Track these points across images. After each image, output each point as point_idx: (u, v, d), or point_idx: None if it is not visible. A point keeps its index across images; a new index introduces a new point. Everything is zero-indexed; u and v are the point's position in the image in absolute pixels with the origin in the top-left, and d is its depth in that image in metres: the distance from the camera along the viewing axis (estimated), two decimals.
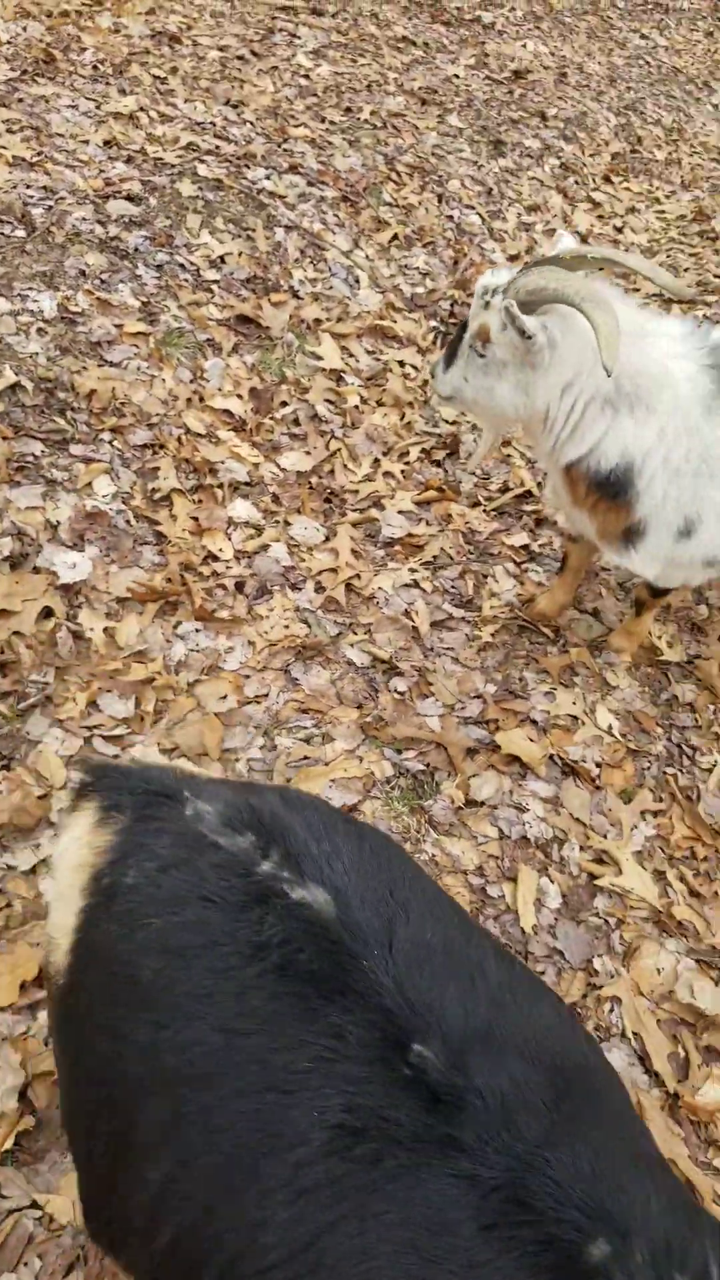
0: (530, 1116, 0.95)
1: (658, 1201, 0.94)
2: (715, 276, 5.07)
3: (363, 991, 0.99)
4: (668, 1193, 0.97)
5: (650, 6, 8.39)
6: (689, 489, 2.36)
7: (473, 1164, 0.90)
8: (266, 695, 2.61)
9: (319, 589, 2.91)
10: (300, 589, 2.90)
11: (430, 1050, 0.95)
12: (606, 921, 2.38)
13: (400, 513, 3.27)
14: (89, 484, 2.88)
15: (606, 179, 5.67)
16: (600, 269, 2.31)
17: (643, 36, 7.77)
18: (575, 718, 2.80)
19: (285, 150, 4.44)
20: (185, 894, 1.07)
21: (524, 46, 6.67)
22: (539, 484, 3.47)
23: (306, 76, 5.12)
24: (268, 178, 4.17)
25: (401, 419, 3.59)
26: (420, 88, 5.57)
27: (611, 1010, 2.22)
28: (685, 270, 5.08)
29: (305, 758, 2.51)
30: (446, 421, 3.70)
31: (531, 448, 2.57)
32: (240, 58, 4.97)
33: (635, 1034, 2.18)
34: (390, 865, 1.17)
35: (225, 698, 2.55)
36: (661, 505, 2.38)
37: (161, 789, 1.18)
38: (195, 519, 2.92)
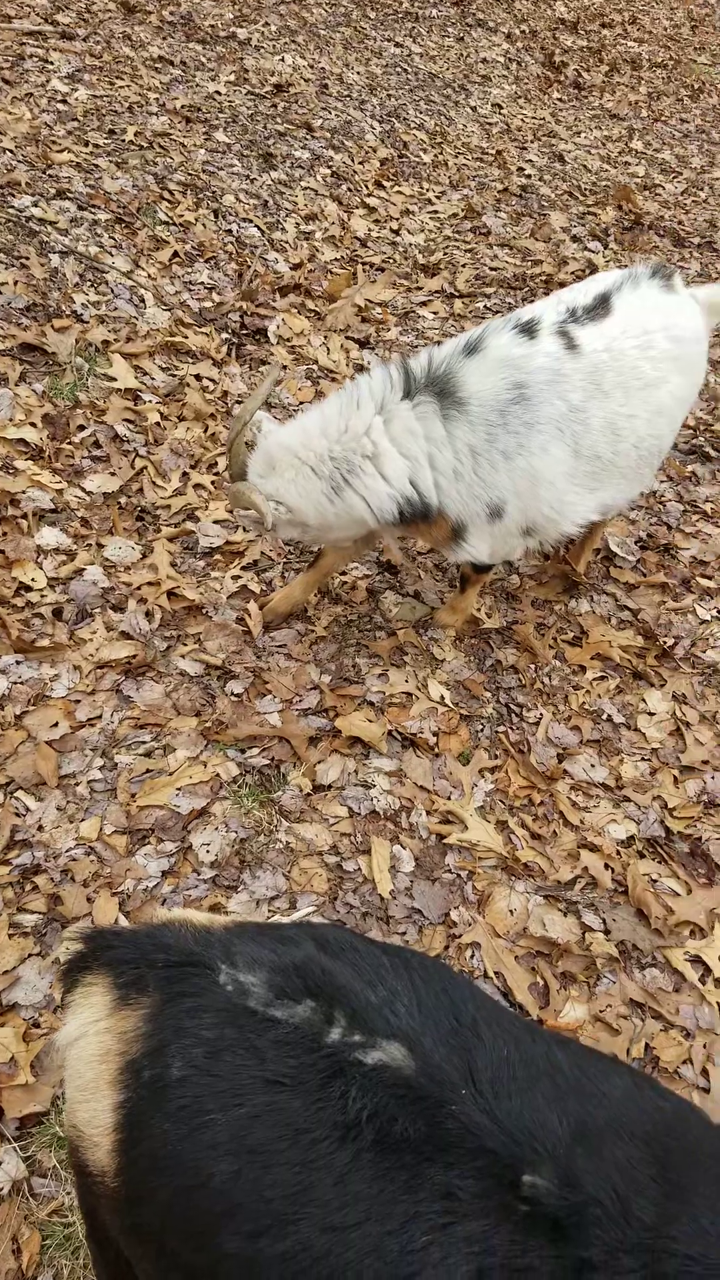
0: (643, 1198, 0.93)
1: None
2: (491, 269, 5.36)
3: (460, 1139, 0.94)
4: None
5: (400, 15, 8.75)
6: (478, 483, 2.57)
7: (610, 1277, 0.88)
8: (100, 717, 2.61)
9: (142, 604, 2.93)
10: (122, 609, 2.90)
11: (541, 1176, 0.92)
12: (459, 875, 2.50)
13: (216, 522, 3.32)
14: None
15: (378, 184, 5.89)
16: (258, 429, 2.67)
17: (397, 45, 8.10)
18: (409, 694, 2.93)
19: (50, 176, 4.40)
20: (248, 1081, 0.98)
21: (282, 60, 6.84)
22: None
23: (64, 101, 5.09)
24: (35, 204, 4.13)
25: (205, 431, 3.64)
26: (183, 106, 5.63)
27: (473, 955, 2.34)
28: (463, 266, 5.35)
29: (148, 771, 2.52)
30: None
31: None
32: None
33: (497, 973, 2.31)
34: (444, 987, 1.12)
35: (57, 725, 2.54)
36: (465, 503, 2.60)
37: (187, 959, 1.07)
38: (1, 551, 2.87)
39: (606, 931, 2.43)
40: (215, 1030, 1.01)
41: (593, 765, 2.83)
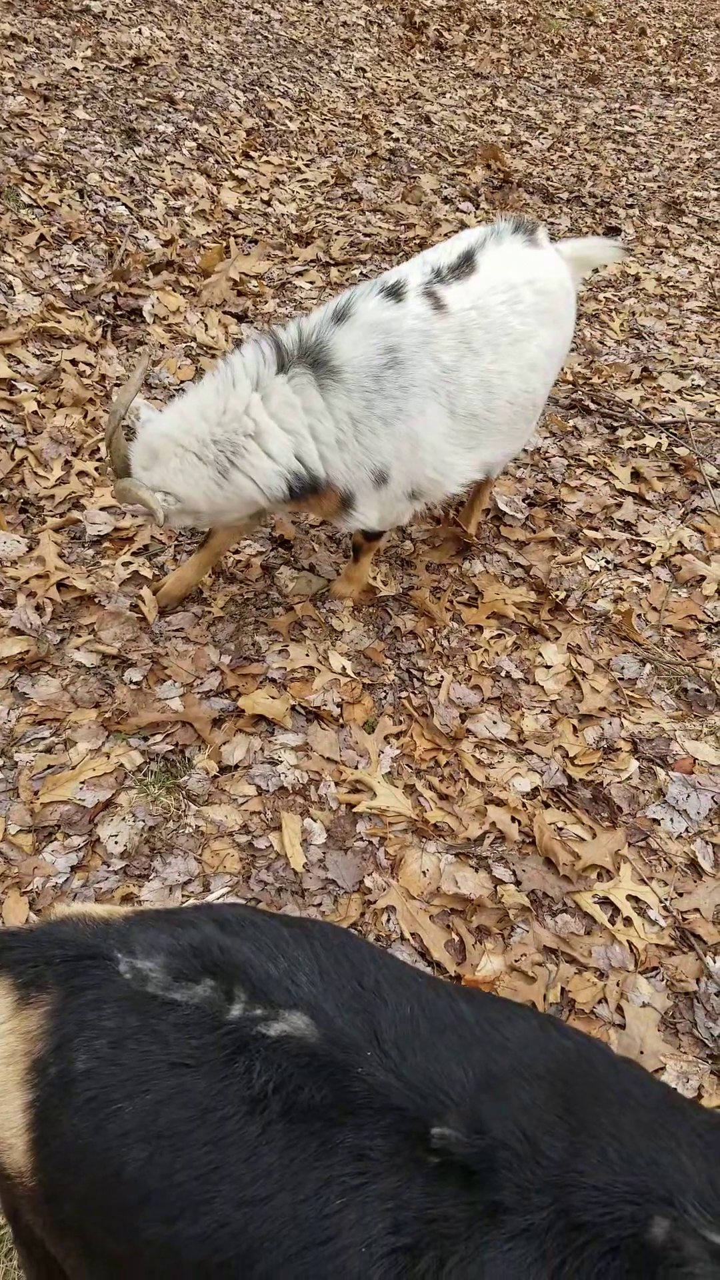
0: (551, 1136, 0.95)
1: (688, 1153, 0.96)
2: (365, 235, 5.35)
3: (368, 1100, 0.96)
4: (695, 1137, 1.00)
5: None
6: (360, 451, 2.58)
7: (523, 1217, 0.90)
8: None
9: (31, 598, 2.87)
10: (12, 604, 2.84)
11: (449, 1127, 0.94)
12: (370, 842, 2.54)
13: (102, 509, 3.27)
14: None
15: (246, 155, 5.81)
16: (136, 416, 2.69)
17: (256, 12, 7.96)
18: (310, 668, 2.94)
19: None
20: (152, 1066, 0.98)
21: (139, 33, 6.66)
22: None
23: None
24: None
25: (85, 417, 3.57)
26: (40, 84, 5.45)
27: (389, 919, 2.39)
28: (336, 234, 5.33)
29: (49, 767, 2.49)
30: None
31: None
32: None
33: (413, 934, 2.36)
34: (345, 953, 1.13)
35: None
36: (351, 472, 2.61)
37: (85, 952, 1.07)
38: None
39: (517, 883, 2.50)
40: (117, 1019, 1.01)
41: (495, 722, 2.90)
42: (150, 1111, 0.97)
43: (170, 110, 5.85)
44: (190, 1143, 0.95)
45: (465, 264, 2.63)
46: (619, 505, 3.80)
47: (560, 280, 2.78)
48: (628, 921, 2.48)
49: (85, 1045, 1.01)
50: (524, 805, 2.68)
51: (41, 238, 4.29)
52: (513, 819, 2.63)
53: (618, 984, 2.34)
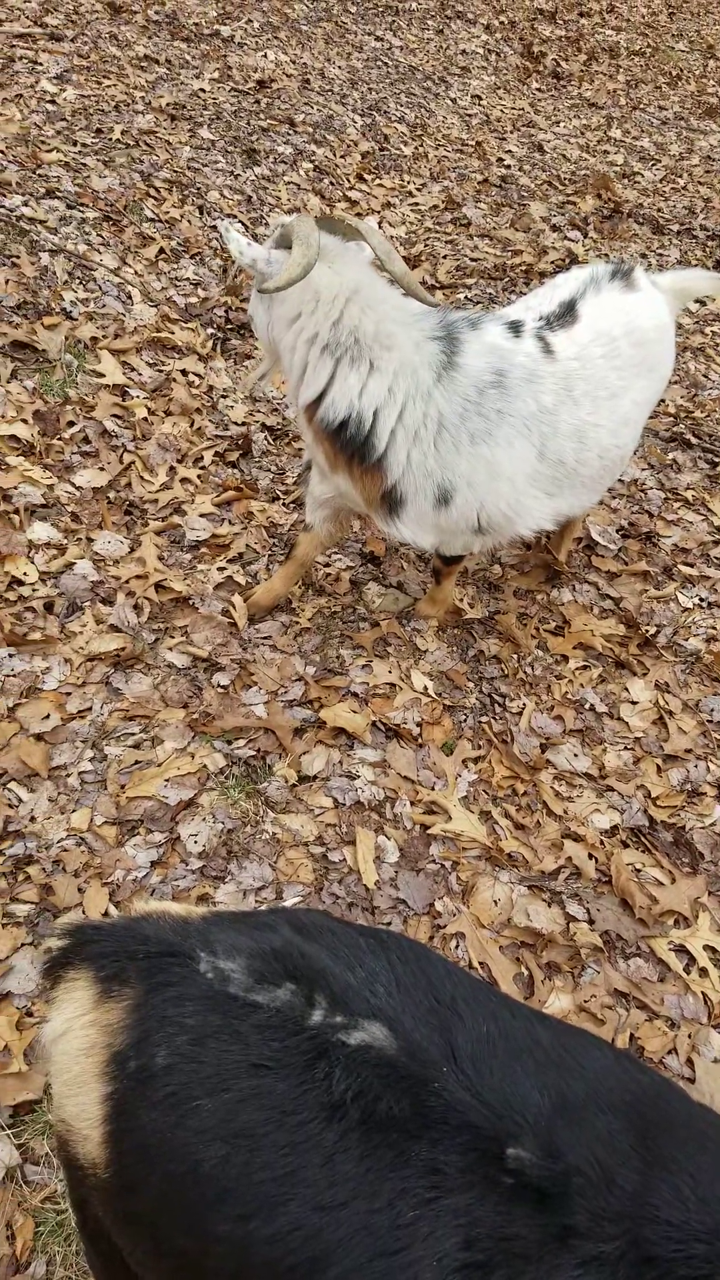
0: (625, 1167, 0.95)
1: None
2: (471, 260, 5.39)
3: (444, 1116, 0.96)
4: None
5: (381, 9, 8.75)
6: (433, 456, 2.54)
7: (594, 1244, 0.90)
8: (90, 709, 2.64)
9: (130, 597, 2.95)
10: (111, 602, 2.93)
11: (524, 1148, 0.94)
12: (443, 866, 2.54)
13: (202, 515, 3.35)
14: None
15: (360, 177, 5.91)
16: (354, 238, 2.51)
17: (377, 39, 8.10)
18: (393, 685, 2.96)
19: (40, 175, 4.41)
20: (232, 1066, 0.99)
21: (265, 56, 6.84)
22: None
23: (53, 101, 5.09)
24: (25, 204, 4.14)
25: (192, 426, 3.66)
26: (168, 104, 5.63)
27: (457, 946, 2.38)
28: (444, 257, 5.37)
29: (137, 762, 2.56)
30: (236, 423, 3.80)
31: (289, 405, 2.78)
32: None
33: (482, 963, 2.35)
34: (421, 966, 1.13)
35: (48, 717, 2.56)
36: (410, 470, 2.56)
37: (167, 949, 1.08)
38: None
39: (591, 921, 2.47)
40: (198, 1018, 1.02)
41: (576, 755, 2.88)
42: (229, 1110, 0.98)
43: (290, 132, 5.99)
44: (268, 1144, 0.96)
45: (568, 313, 2.65)
46: (717, 543, 3.74)
47: (658, 323, 2.75)
48: (703, 972, 2.42)
49: (166, 1041, 1.02)
50: (602, 843, 2.65)
51: (161, 251, 4.43)
52: (590, 856, 2.60)
53: (689, 1036, 2.29)
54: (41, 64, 5.46)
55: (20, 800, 2.41)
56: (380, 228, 5.52)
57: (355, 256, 2.48)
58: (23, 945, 2.15)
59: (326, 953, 1.09)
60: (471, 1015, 1.08)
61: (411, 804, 2.66)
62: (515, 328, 2.59)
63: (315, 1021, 1.02)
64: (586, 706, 3.03)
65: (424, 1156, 0.94)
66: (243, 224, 4.92)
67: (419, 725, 2.86)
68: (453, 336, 2.51)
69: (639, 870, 2.61)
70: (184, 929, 1.13)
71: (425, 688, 2.97)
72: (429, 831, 2.60)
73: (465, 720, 2.94)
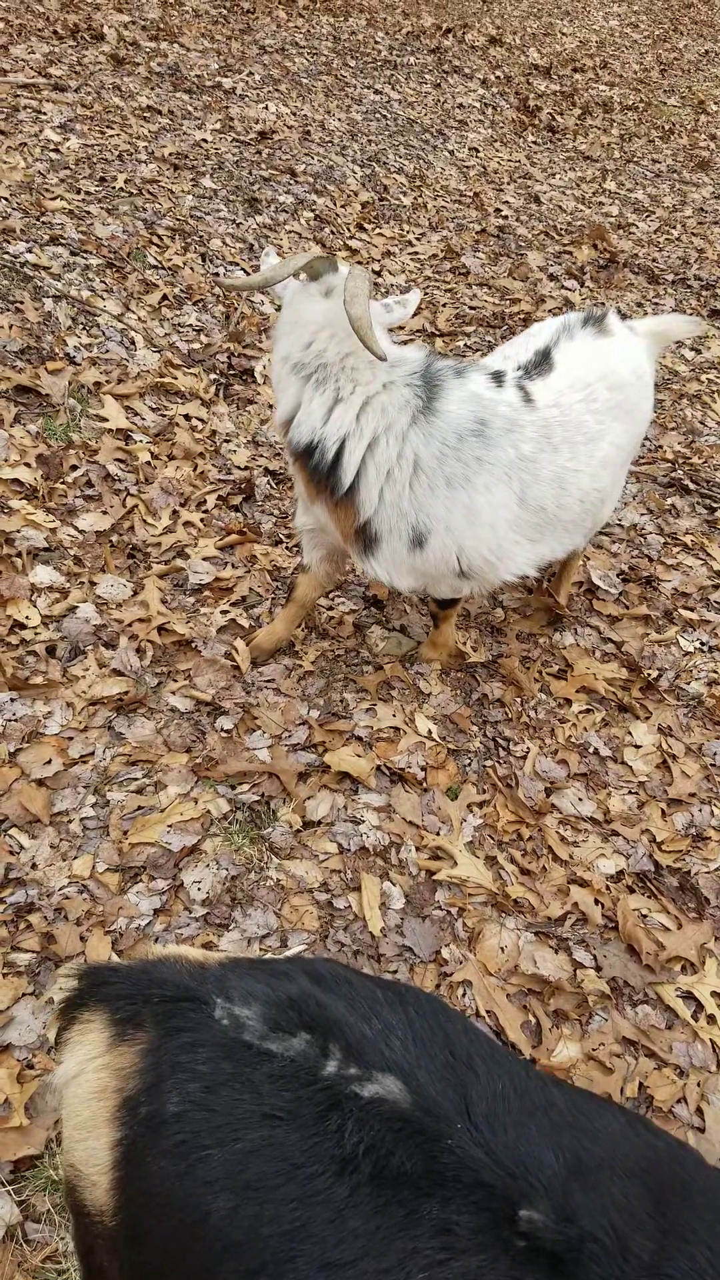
0: (641, 1235, 0.94)
1: None
2: (470, 309, 5.47)
3: (457, 1174, 0.94)
4: None
5: (379, 64, 8.97)
6: (408, 497, 2.57)
7: None
8: (93, 754, 2.63)
9: (133, 640, 2.95)
10: (114, 645, 2.93)
11: (537, 1210, 0.92)
12: (449, 912, 2.52)
13: (205, 559, 3.36)
14: None
15: (360, 227, 6.01)
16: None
17: (376, 92, 8.29)
18: (396, 728, 2.96)
19: (44, 223, 4.48)
20: (244, 1115, 0.97)
21: (266, 108, 6.99)
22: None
23: (57, 150, 5.19)
24: (29, 250, 4.21)
25: (194, 469, 3.69)
26: (171, 154, 5.74)
27: (464, 994, 2.35)
28: (443, 305, 5.46)
29: (139, 808, 2.54)
30: (239, 467, 3.83)
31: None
32: None
33: (489, 1011, 2.32)
34: (438, 1021, 1.11)
35: (50, 762, 2.55)
36: (383, 508, 2.58)
37: (182, 994, 1.07)
38: None
39: (598, 968, 2.45)
40: (211, 1065, 1.01)
41: (580, 799, 2.86)
42: (239, 1161, 0.96)
43: (291, 182, 6.10)
44: (278, 1197, 0.94)
45: (544, 361, 2.69)
46: (716, 587, 3.76)
47: (633, 366, 2.79)
48: (711, 1019, 2.40)
49: (178, 1088, 1.00)
50: (608, 888, 2.63)
51: (164, 298, 4.49)
52: (596, 901, 2.58)
53: (699, 1084, 2.26)
54: (45, 113, 5.57)
55: (22, 847, 2.39)
56: (379, 276, 5.61)
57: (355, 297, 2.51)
58: (24, 995, 2.12)
59: (343, 1003, 1.08)
60: (487, 1072, 1.07)
61: (417, 849, 2.64)
62: (498, 378, 2.63)
63: (329, 1073, 1.00)
64: (590, 750, 3.02)
65: (435, 1215, 0.92)
66: (244, 271, 4.99)
67: (423, 769, 2.85)
68: (433, 383, 2.54)
69: (645, 916, 2.59)
70: (200, 974, 1.12)
71: (429, 731, 2.96)
72: (435, 877, 2.58)
73: (469, 764, 2.93)
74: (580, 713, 3.15)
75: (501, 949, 2.46)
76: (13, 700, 2.66)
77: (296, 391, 2.54)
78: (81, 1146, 1.05)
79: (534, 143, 8.41)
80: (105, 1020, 1.08)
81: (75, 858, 2.39)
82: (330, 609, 3.36)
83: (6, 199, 4.48)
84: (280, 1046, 1.01)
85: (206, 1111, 0.98)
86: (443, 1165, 0.95)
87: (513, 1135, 0.99)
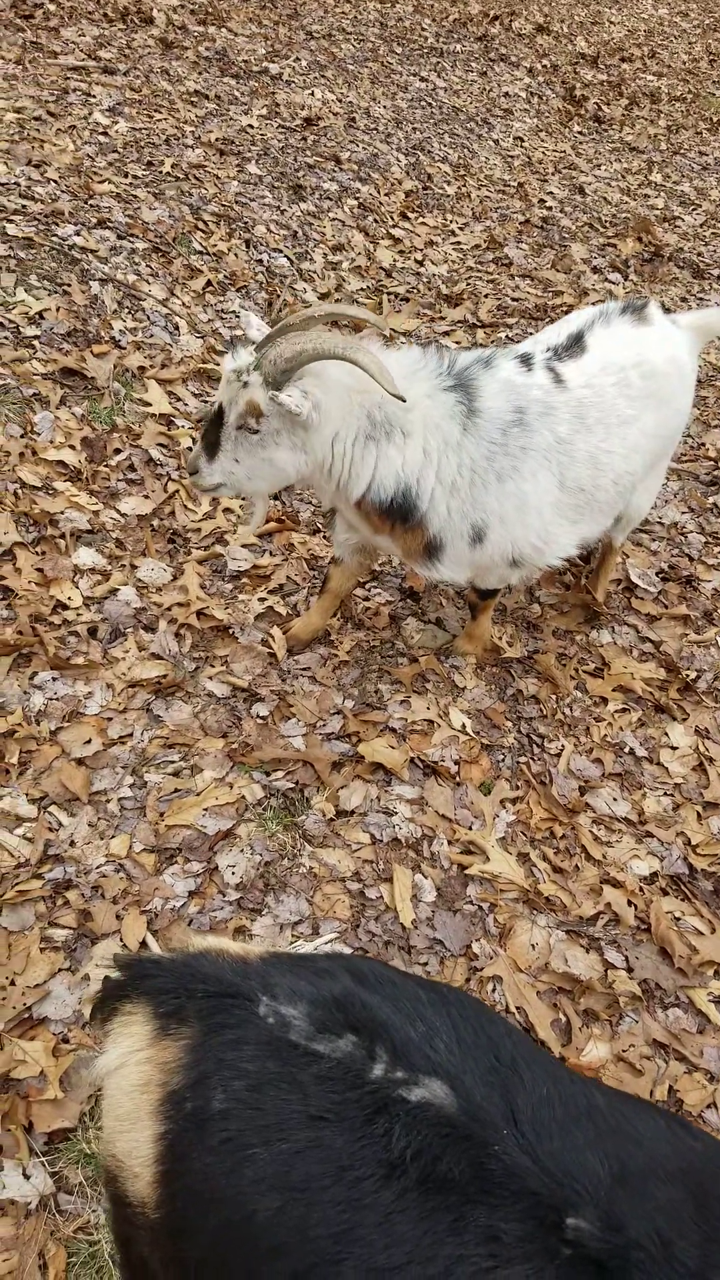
0: (685, 1240, 0.94)
1: None
2: (513, 300, 5.43)
3: (504, 1181, 0.94)
4: None
5: (426, 51, 8.91)
6: (468, 499, 2.56)
7: None
8: (131, 735, 2.65)
9: (172, 624, 2.97)
10: (153, 629, 2.95)
11: (583, 1218, 0.92)
12: (480, 907, 2.52)
13: (244, 546, 3.37)
14: None
15: (403, 215, 5.98)
16: (329, 324, 2.45)
17: (422, 80, 8.24)
18: (431, 721, 2.96)
19: (92, 206, 4.50)
20: (290, 1115, 0.97)
21: (312, 94, 6.96)
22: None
23: (105, 134, 5.20)
24: (78, 234, 4.22)
25: None
26: (217, 139, 5.74)
27: (494, 989, 2.35)
28: (485, 296, 5.42)
29: (176, 790, 2.56)
30: None
31: (315, 493, 2.70)
32: (37, 118, 5.00)
33: (519, 1008, 2.32)
34: (482, 1024, 1.11)
35: (90, 741, 2.57)
36: (449, 519, 2.57)
37: (226, 989, 1.06)
38: (40, 570, 2.93)
39: (629, 969, 2.44)
40: (257, 1063, 1.01)
41: (615, 799, 2.85)
42: (286, 1161, 0.96)
43: (336, 169, 6.08)
44: (325, 1199, 0.93)
45: (575, 345, 2.68)
46: None
47: (670, 356, 2.76)
48: None
49: (223, 1085, 1.00)
50: (641, 889, 2.62)
51: (208, 283, 4.50)
52: (629, 902, 2.57)
53: None
54: (95, 97, 5.58)
55: (60, 824, 2.42)
56: (421, 265, 5.59)
57: (328, 368, 2.35)
58: (60, 970, 2.15)
59: (388, 1004, 1.08)
60: (532, 1077, 1.06)
61: (449, 843, 2.65)
62: (525, 360, 2.61)
63: (376, 1075, 1.00)
64: (626, 750, 3.01)
65: (482, 1222, 0.91)
66: (288, 258, 4.99)
67: (457, 763, 2.85)
68: (467, 384, 2.51)
69: (678, 919, 2.58)
70: (243, 969, 1.11)
71: (463, 726, 2.96)
72: (466, 872, 2.58)
73: (503, 760, 2.92)
74: (616, 712, 3.13)
75: (532, 946, 2.46)
76: (54, 679, 2.68)
77: (374, 458, 2.43)
78: (124, 1138, 1.06)
79: (579, 133, 8.33)
80: (148, 1014, 1.08)
81: (113, 837, 2.42)
82: (366, 599, 3.36)
83: (56, 181, 4.50)
84: (327, 1047, 1.01)
85: (252, 1110, 0.98)
86: (489, 1172, 0.94)
87: (558, 1142, 0.99)
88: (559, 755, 2.96)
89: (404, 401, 2.30)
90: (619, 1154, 1.01)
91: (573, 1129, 1.02)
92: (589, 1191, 0.95)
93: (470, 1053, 1.06)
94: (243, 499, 3.01)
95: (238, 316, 4.44)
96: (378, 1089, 0.98)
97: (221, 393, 2.32)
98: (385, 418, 2.41)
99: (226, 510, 3.47)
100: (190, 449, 3.63)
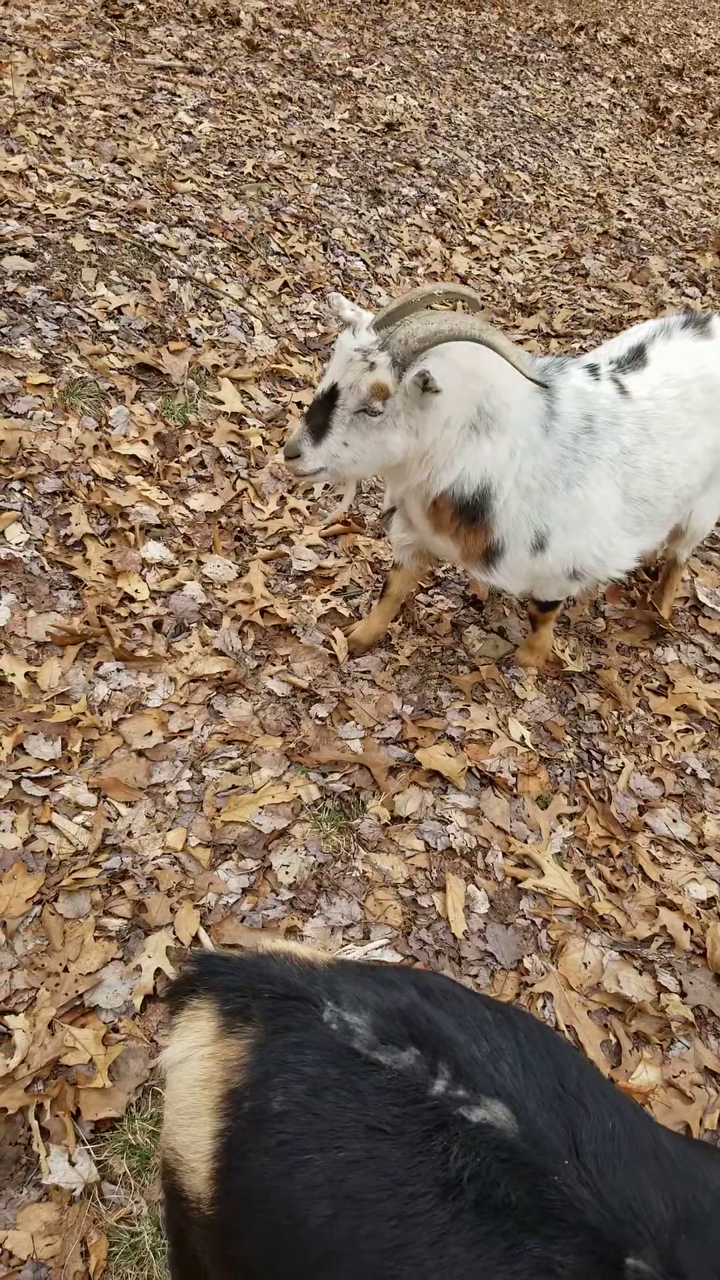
0: None
1: None
2: (588, 311, 5.38)
3: (562, 1212, 0.91)
4: None
5: (510, 59, 8.88)
6: (537, 504, 2.52)
7: None
8: (191, 729, 2.67)
9: (235, 621, 2.98)
10: (217, 625, 2.96)
11: (644, 1260, 0.89)
12: (533, 922, 2.49)
13: (309, 547, 3.38)
14: (0, 532, 2.90)
15: (480, 223, 5.96)
16: (443, 304, 2.42)
17: (505, 88, 8.21)
18: (489, 731, 2.93)
19: (174, 204, 4.56)
20: (348, 1124, 0.96)
21: (394, 100, 6.98)
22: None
23: (189, 133, 5.27)
24: (159, 231, 4.28)
25: None
26: (299, 141, 5.77)
27: (544, 1006, 2.32)
28: (560, 306, 5.38)
29: (233, 787, 2.57)
30: None
31: (388, 487, 2.63)
32: (124, 116, 5.08)
33: (569, 1026, 2.29)
34: (549, 1049, 1.08)
35: (150, 734, 2.60)
36: (516, 523, 2.53)
37: (292, 991, 1.06)
38: (109, 562, 2.96)
39: (682, 994, 2.39)
40: (318, 1068, 0.99)
41: (674, 820, 2.80)
42: (341, 1170, 0.94)
43: (415, 175, 6.08)
44: (378, 1212, 0.91)
45: (637, 357, 2.64)
46: None
47: None
48: None
49: (284, 1087, 0.99)
50: (698, 914, 2.56)
51: (285, 284, 4.53)
52: (685, 926, 2.52)
53: None
54: (180, 96, 5.65)
55: (119, 814, 2.44)
56: (497, 274, 5.56)
57: (452, 350, 2.30)
58: (112, 960, 2.16)
59: (453, 1021, 1.06)
60: (597, 1109, 1.03)
61: (504, 855, 2.62)
62: (593, 370, 2.60)
63: (437, 1092, 0.98)
64: (688, 771, 2.95)
65: (537, 1253, 0.89)
66: (364, 262, 5.00)
67: (514, 775, 2.82)
68: (549, 385, 2.49)
69: None
70: (310, 974, 1.11)
71: (522, 737, 2.93)
72: (520, 885, 2.55)
73: (561, 774, 2.88)
74: (679, 732, 3.08)
75: (585, 964, 2.42)
76: (119, 670, 2.71)
77: (472, 449, 2.37)
78: (184, 1132, 1.06)
79: (661, 145, 8.23)
80: (214, 1010, 1.08)
81: (169, 829, 2.43)
82: (429, 605, 3.34)
83: (140, 179, 4.57)
84: (389, 1058, 1.00)
85: (310, 1115, 0.97)
86: (548, 1201, 0.92)
87: (621, 1178, 0.96)
88: (619, 773, 2.91)
89: (545, 388, 2.29)
90: (685, 1197, 0.98)
91: (637, 1166, 0.99)
92: (651, 1232, 0.92)
93: (535, 1078, 1.03)
94: (330, 485, 2.96)
95: (319, 312, 4.46)
96: (438, 1105, 0.96)
97: (337, 373, 2.23)
98: (492, 409, 2.37)
99: (293, 510, 3.48)
100: (260, 448, 3.65)
